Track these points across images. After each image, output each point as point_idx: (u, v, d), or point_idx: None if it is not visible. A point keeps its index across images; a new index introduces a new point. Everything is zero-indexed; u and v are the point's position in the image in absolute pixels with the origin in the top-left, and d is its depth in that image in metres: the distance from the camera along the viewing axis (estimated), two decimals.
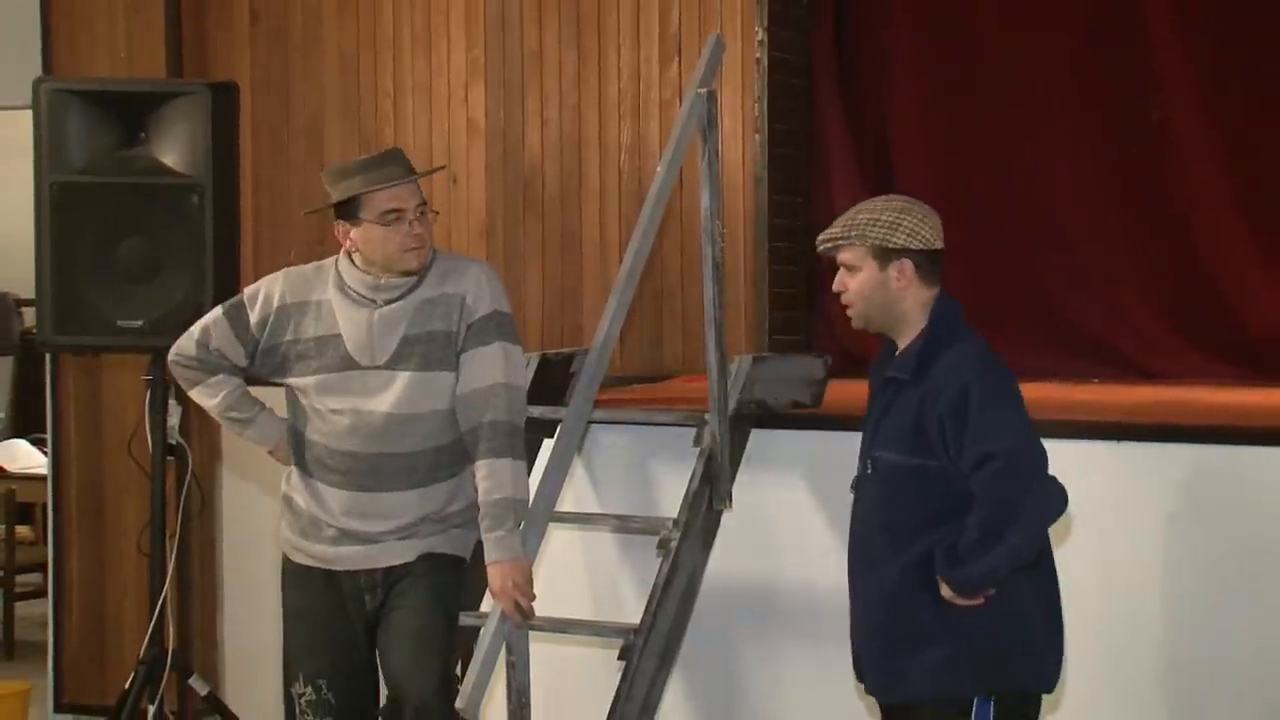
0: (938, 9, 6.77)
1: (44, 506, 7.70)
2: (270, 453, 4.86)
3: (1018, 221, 6.62)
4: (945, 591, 4.04)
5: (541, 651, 4.89)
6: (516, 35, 6.80)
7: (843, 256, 4.20)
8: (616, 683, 4.89)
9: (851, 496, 4.29)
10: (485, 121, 6.85)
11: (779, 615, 5.33)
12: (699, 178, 5.18)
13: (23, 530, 9.41)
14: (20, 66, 6.95)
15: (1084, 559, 4.84)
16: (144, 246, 5.62)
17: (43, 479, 7.60)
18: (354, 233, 4.67)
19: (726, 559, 5.26)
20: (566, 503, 5.30)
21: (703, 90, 5.16)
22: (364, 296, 4.67)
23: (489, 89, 6.85)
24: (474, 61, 6.87)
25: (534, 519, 4.72)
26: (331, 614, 4.73)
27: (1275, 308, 6.25)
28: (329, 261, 4.78)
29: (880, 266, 4.15)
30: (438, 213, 4.89)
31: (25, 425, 10.29)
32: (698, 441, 5.15)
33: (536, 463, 5.13)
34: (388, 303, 4.67)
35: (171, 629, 5.78)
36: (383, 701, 4.81)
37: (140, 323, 5.59)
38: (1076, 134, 6.55)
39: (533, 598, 4.63)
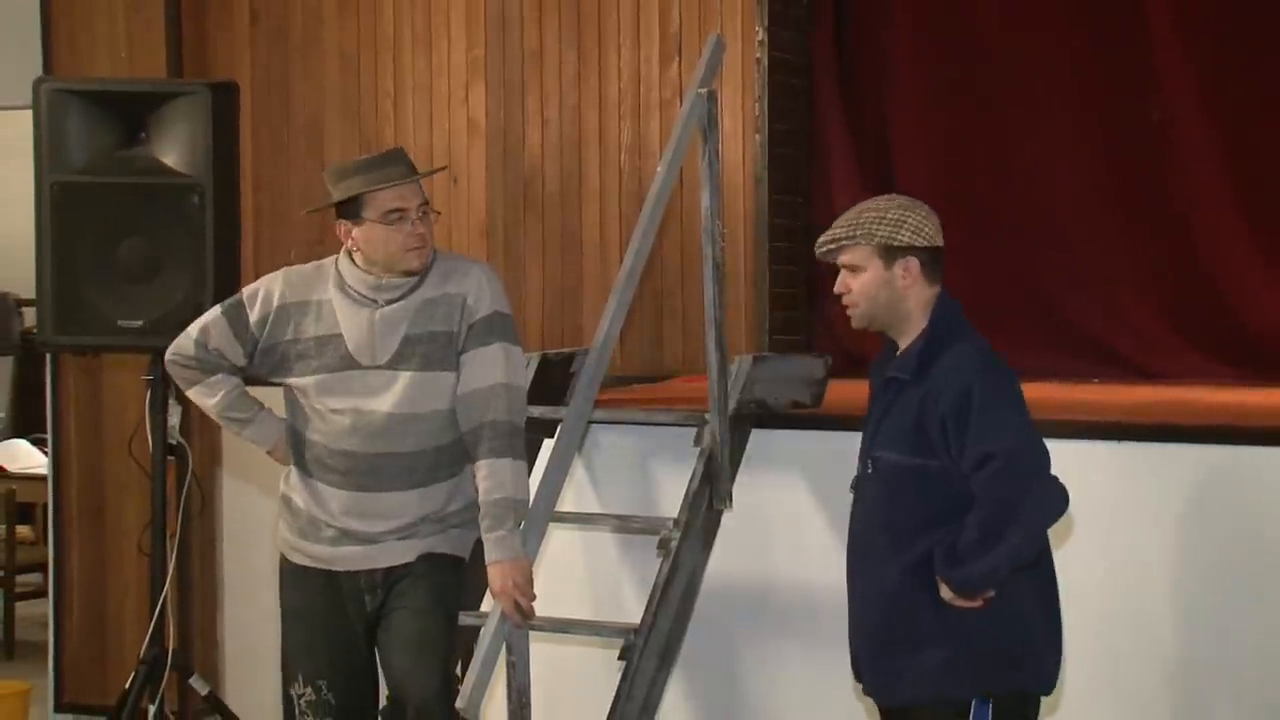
0: (938, 9, 6.77)
1: (44, 506, 7.70)
2: (269, 453, 4.85)
3: (1018, 221, 6.62)
4: (945, 592, 4.04)
5: (541, 651, 4.89)
6: (517, 35, 6.80)
7: (846, 257, 4.18)
8: (616, 683, 4.89)
9: (851, 496, 4.29)
10: (485, 121, 6.85)
11: (779, 615, 5.33)
12: (699, 178, 5.18)
13: (23, 530, 9.41)
14: (20, 66, 6.95)
15: (1084, 559, 4.84)
16: (144, 246, 5.61)
17: (43, 479, 7.60)
18: (356, 232, 4.67)
19: (727, 559, 5.26)
20: (567, 503, 5.30)
21: (703, 90, 5.16)
22: (365, 296, 4.67)
23: (489, 89, 6.85)
24: (474, 61, 6.87)
25: (534, 519, 4.72)
26: (331, 614, 4.73)
27: (1275, 308, 6.25)
28: (329, 261, 4.78)
29: (885, 265, 4.14)
30: (439, 213, 4.89)
31: (25, 425, 10.30)
32: (698, 441, 5.15)
33: (537, 463, 5.13)
34: (389, 302, 4.67)
35: (172, 629, 5.77)
36: (382, 702, 4.81)
37: (140, 323, 5.59)
38: (1076, 134, 6.55)
39: (533, 598, 4.63)
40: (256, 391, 4.86)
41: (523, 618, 4.63)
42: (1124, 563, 4.93)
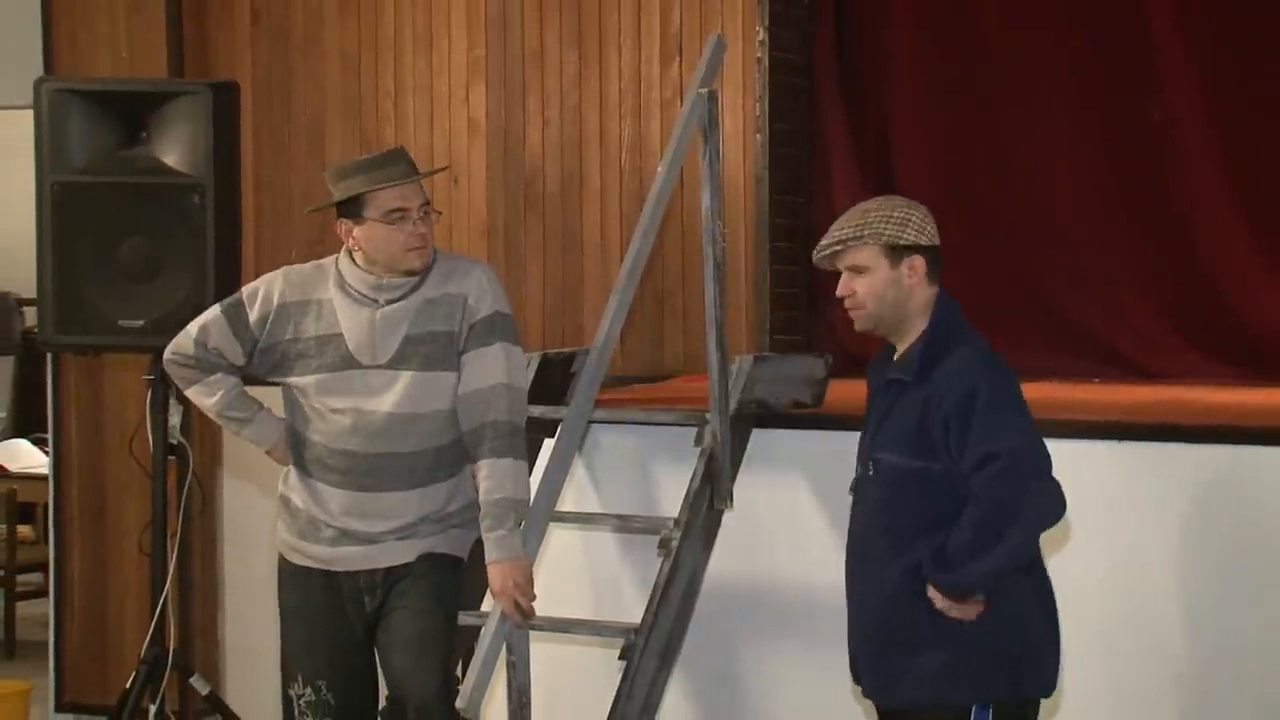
0: (938, 9, 6.78)
1: (45, 506, 7.70)
2: (268, 453, 4.85)
3: (1018, 221, 6.62)
4: (934, 595, 4.01)
5: (542, 651, 4.89)
6: (517, 35, 6.80)
7: (851, 258, 4.14)
8: (617, 683, 4.89)
9: (850, 499, 4.29)
10: (486, 121, 6.85)
11: (780, 615, 5.33)
12: (700, 177, 5.18)
13: (24, 530, 9.41)
14: (21, 66, 6.96)
15: (1084, 559, 4.84)
16: (145, 246, 5.62)
17: (44, 479, 7.60)
18: (357, 231, 4.67)
19: (727, 559, 5.27)
20: (567, 502, 5.31)
21: (704, 90, 5.16)
22: (365, 296, 4.68)
23: (490, 89, 6.85)
24: (475, 61, 6.87)
25: (534, 519, 4.72)
26: (330, 614, 4.73)
27: (1275, 308, 6.25)
28: (328, 260, 4.78)
29: (891, 265, 4.12)
30: (440, 213, 4.89)
31: (26, 425, 10.30)
32: (699, 441, 5.15)
33: (537, 463, 5.13)
34: (390, 302, 4.67)
35: (172, 628, 5.77)
36: (382, 702, 4.81)
37: (141, 322, 5.59)
38: (1076, 134, 6.55)
39: (533, 597, 4.63)
40: (255, 391, 4.86)
41: (523, 617, 4.63)
42: (1124, 562, 4.93)
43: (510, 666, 4.70)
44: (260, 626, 6.42)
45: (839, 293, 4.19)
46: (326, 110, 7.06)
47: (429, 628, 4.67)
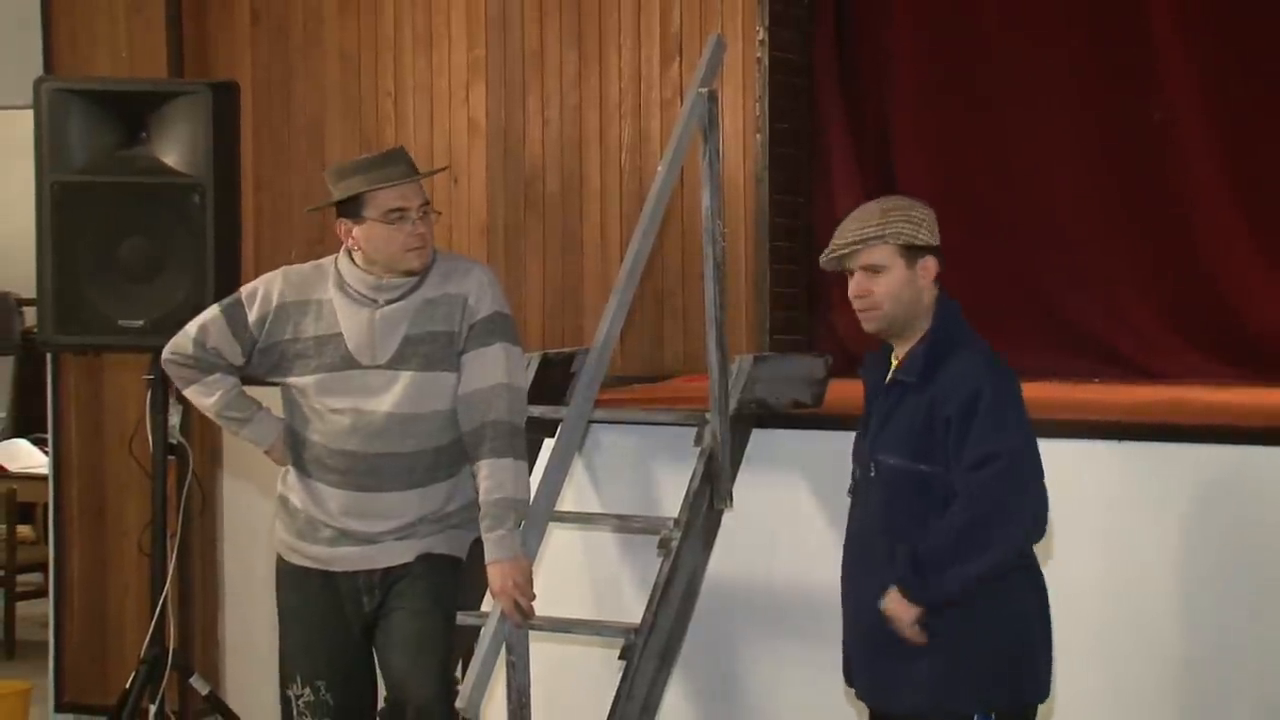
0: (938, 9, 6.77)
1: (45, 506, 7.70)
2: (266, 453, 4.85)
3: (1018, 221, 6.62)
4: (894, 608, 3.98)
5: (541, 651, 4.89)
6: (517, 35, 6.80)
7: (867, 258, 4.10)
8: (617, 683, 4.89)
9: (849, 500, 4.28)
10: (486, 121, 6.85)
11: (780, 615, 5.33)
12: (700, 177, 5.18)
13: (24, 530, 9.41)
14: (21, 66, 6.96)
15: (1083, 559, 4.84)
16: (145, 246, 5.62)
17: (44, 479, 7.60)
18: (356, 231, 4.67)
19: (727, 559, 5.27)
20: (567, 502, 5.31)
21: (704, 90, 5.16)
22: (365, 296, 4.67)
23: (490, 89, 6.85)
24: (475, 61, 6.87)
25: (534, 518, 4.72)
26: (329, 614, 4.73)
27: (1275, 308, 6.24)
28: (328, 260, 4.77)
29: (908, 264, 4.09)
30: (440, 213, 4.89)
31: (26, 425, 10.30)
32: (698, 441, 5.15)
33: (537, 463, 5.13)
34: (389, 302, 4.67)
35: (172, 628, 5.78)
36: (380, 702, 4.81)
37: (141, 322, 5.59)
38: (1076, 134, 6.55)
39: (533, 597, 4.63)
40: (255, 391, 4.86)
41: (523, 617, 4.63)
42: (1124, 562, 4.93)
43: (510, 666, 4.70)
44: (260, 626, 6.42)
45: (852, 293, 4.15)
46: (326, 110, 7.06)
47: (427, 628, 4.67)
